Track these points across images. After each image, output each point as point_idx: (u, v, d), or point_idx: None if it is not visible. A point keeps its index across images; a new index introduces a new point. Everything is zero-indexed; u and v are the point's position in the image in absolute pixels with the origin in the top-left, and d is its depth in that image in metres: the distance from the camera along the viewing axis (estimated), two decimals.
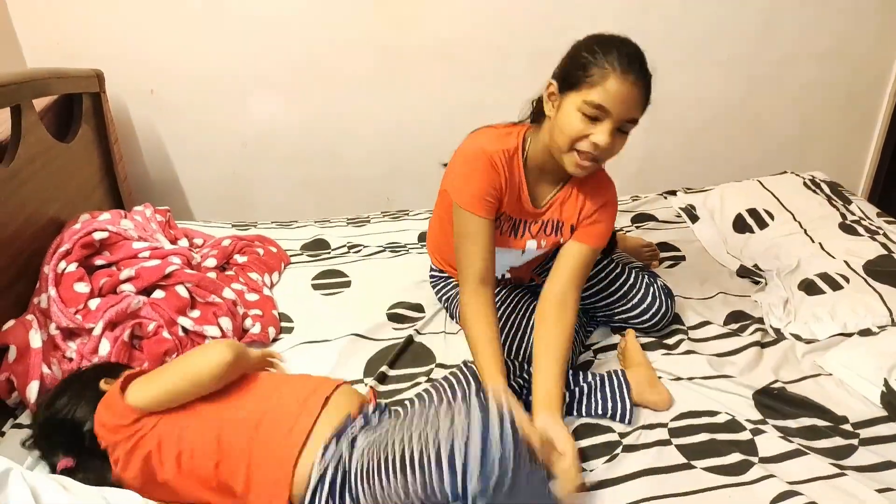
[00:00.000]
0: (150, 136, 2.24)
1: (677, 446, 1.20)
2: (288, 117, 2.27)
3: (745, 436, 1.22)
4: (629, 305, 1.49)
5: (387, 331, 1.58)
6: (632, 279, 1.51)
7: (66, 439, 1.12)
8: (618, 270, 1.52)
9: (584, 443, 1.22)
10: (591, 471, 1.16)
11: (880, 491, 1.10)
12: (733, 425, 1.25)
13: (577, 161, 1.20)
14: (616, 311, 1.51)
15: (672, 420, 1.26)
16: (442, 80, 2.29)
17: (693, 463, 1.17)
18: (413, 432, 0.94)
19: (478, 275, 1.27)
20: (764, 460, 1.17)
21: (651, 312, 1.48)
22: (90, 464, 1.09)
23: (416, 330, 1.57)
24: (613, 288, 1.50)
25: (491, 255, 1.28)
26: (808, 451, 1.18)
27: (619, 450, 1.20)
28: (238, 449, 1.05)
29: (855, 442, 1.22)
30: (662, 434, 1.23)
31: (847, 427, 1.26)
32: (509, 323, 1.46)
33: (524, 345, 1.42)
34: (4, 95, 1.44)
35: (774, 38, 2.38)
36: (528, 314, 1.48)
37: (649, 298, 1.49)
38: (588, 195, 1.35)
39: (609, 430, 1.25)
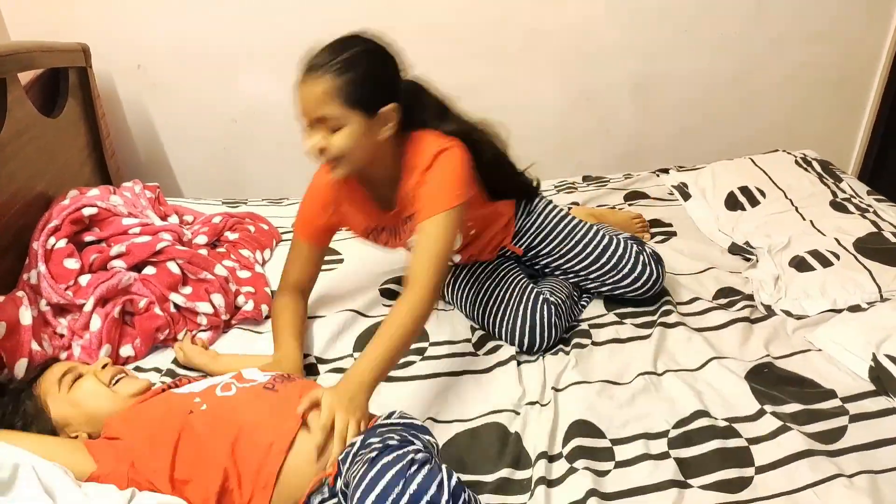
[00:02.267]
0: (138, 113, 2.21)
1: (676, 459, 1.15)
2: (279, 95, 2.24)
3: (740, 443, 1.18)
4: (619, 276, 1.51)
5: (378, 307, 1.58)
6: (620, 249, 1.52)
7: None
8: (605, 241, 1.53)
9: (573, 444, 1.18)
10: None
11: (880, 472, 1.11)
12: (730, 431, 1.21)
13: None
14: (607, 281, 1.53)
15: (673, 428, 1.22)
16: (436, 59, 2.25)
17: (689, 482, 1.12)
18: None
19: (291, 283, 1.44)
20: (761, 469, 1.14)
21: (642, 280, 1.50)
22: None
23: None
24: (604, 259, 1.51)
25: (307, 274, 1.45)
26: (807, 454, 1.14)
27: (610, 465, 1.15)
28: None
29: (845, 420, 1.23)
30: (661, 446, 1.19)
31: (836, 402, 1.27)
32: (494, 296, 1.48)
33: (501, 316, 1.46)
34: None
35: (767, 18, 2.38)
36: (511, 288, 1.48)
37: (640, 267, 1.50)
38: (415, 181, 1.27)
39: (600, 434, 1.21)
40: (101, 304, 1.41)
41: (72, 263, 1.44)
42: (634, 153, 2.56)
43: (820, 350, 1.40)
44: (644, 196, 2.09)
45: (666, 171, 2.23)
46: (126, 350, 1.40)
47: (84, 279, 1.44)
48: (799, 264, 1.62)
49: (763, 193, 1.91)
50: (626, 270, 1.50)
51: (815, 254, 1.63)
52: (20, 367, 1.30)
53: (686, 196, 2.03)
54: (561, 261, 1.55)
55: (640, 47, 2.36)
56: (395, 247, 1.46)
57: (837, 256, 1.61)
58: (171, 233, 1.59)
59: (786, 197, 1.88)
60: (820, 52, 2.49)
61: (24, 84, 1.63)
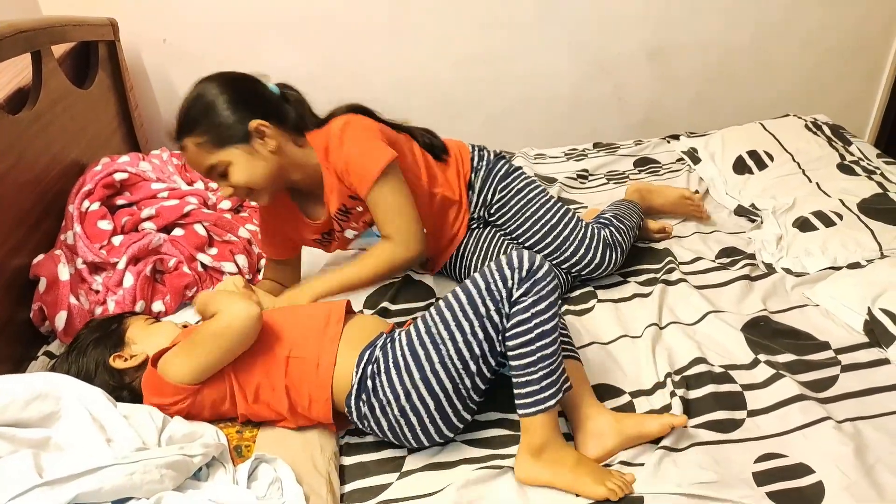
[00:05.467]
0: (164, 85, 2.29)
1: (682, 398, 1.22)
2: (299, 66, 2.30)
3: (735, 388, 1.24)
4: (566, 254, 1.51)
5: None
6: (571, 225, 1.51)
7: None
8: (558, 216, 1.52)
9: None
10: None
11: (867, 418, 1.16)
12: (725, 377, 1.27)
13: None
14: (557, 258, 1.52)
15: (674, 373, 1.28)
16: (450, 28, 2.31)
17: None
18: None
19: (267, 288, 1.48)
20: (753, 413, 1.20)
21: (584, 262, 1.50)
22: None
23: (413, 270, 1.63)
24: (553, 234, 1.51)
25: (286, 280, 1.53)
26: (799, 398, 1.19)
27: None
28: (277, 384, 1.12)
29: (837, 370, 1.28)
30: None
31: (829, 353, 1.32)
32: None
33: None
34: (26, 40, 1.49)
35: None
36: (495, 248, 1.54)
37: (582, 250, 1.49)
38: (335, 158, 1.33)
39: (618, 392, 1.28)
40: (133, 263, 1.51)
41: (105, 224, 1.54)
42: (649, 121, 2.58)
43: (817, 305, 1.44)
44: (654, 162, 2.13)
45: (676, 137, 2.26)
46: (157, 305, 1.50)
47: (117, 239, 1.53)
48: (802, 224, 1.66)
49: (771, 157, 1.94)
50: (570, 251, 1.50)
51: (819, 214, 1.67)
52: (60, 319, 1.41)
53: (696, 160, 2.06)
54: (515, 232, 1.55)
55: (655, 15, 2.38)
56: (344, 248, 1.55)
57: (840, 216, 1.65)
58: (197, 197, 1.68)
59: (793, 160, 1.91)
60: (837, 18, 2.48)
61: (57, 57, 1.71)
